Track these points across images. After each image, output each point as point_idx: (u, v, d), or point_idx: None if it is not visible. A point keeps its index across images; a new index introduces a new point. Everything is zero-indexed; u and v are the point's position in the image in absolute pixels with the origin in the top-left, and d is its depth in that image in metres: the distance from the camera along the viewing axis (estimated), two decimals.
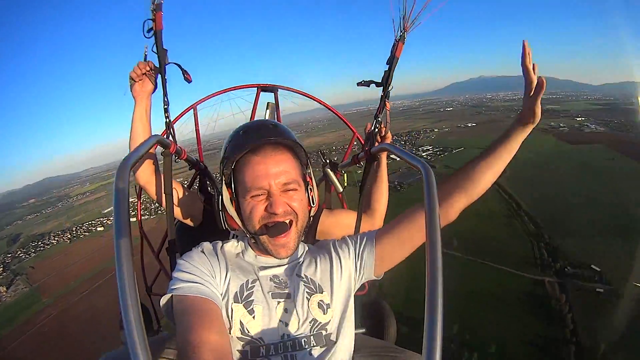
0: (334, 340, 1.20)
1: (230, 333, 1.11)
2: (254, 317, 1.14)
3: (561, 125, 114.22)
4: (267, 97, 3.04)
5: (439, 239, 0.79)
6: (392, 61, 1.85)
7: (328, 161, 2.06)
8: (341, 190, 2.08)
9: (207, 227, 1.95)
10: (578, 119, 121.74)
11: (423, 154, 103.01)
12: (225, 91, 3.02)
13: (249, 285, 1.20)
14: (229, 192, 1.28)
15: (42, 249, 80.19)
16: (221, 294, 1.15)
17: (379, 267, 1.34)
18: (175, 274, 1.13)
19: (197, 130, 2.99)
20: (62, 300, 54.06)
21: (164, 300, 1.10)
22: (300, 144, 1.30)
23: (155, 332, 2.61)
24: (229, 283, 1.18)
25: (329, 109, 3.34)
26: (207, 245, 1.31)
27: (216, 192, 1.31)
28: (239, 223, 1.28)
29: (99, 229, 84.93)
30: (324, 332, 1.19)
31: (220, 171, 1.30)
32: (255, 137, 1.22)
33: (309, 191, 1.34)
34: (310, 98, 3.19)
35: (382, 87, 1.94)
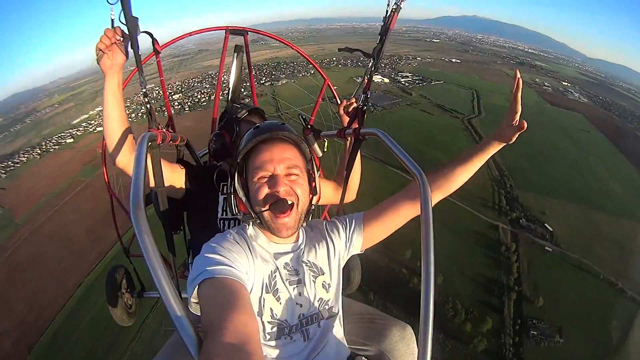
0: (335, 311, 1.43)
1: (262, 318, 1.26)
2: (280, 304, 1.30)
3: (545, 84, 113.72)
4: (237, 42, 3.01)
5: (432, 245, 0.95)
6: (385, 33, 1.68)
7: (309, 127, 1.99)
8: (320, 154, 1.98)
9: (189, 200, 2.02)
10: (564, 83, 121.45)
11: (402, 80, 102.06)
12: (190, 34, 3.03)
13: (273, 275, 1.33)
14: (241, 179, 1.40)
15: (12, 168, 75.04)
16: (254, 283, 1.27)
17: (364, 245, 1.58)
18: (205, 255, 1.18)
19: (162, 82, 2.61)
20: (34, 219, 52.42)
21: (193, 290, 1.11)
22: (305, 142, 1.45)
23: (139, 293, 2.87)
24: (256, 273, 1.29)
25: (302, 55, 3.40)
26: (234, 232, 1.40)
27: (230, 179, 1.42)
28: (247, 206, 1.37)
29: (68, 140, 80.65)
30: (327, 307, 1.41)
31: (234, 161, 1.40)
32: (266, 131, 1.35)
33: (312, 182, 1.45)
34: (281, 41, 3.38)
35: (371, 59, 1.76)
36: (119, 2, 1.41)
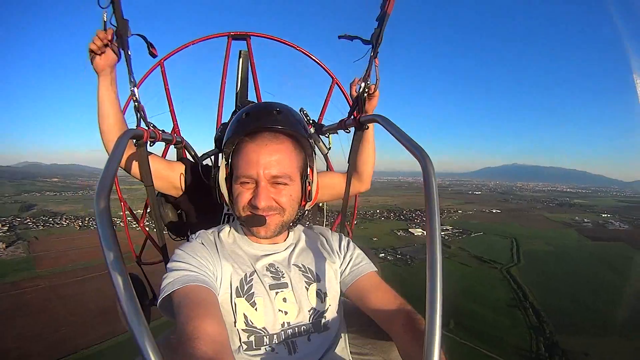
0: (330, 327, 1.25)
1: (235, 326, 1.14)
2: (256, 310, 1.16)
3: (585, 220, 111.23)
4: (241, 48, 2.84)
5: (439, 234, 0.81)
6: (382, 18, 1.63)
7: (312, 121, 1.93)
8: (326, 151, 1.96)
9: (190, 197, 1.99)
10: (603, 215, 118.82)
11: (442, 234, 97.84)
12: (193, 42, 2.78)
13: (248, 279, 1.20)
14: (226, 170, 1.28)
15: (50, 225, 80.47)
16: (223, 287, 1.16)
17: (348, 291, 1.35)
18: (170, 265, 1.12)
19: (166, 90, 2.72)
20: (54, 278, 53.15)
21: (161, 299, 1.06)
22: (305, 134, 1.28)
23: (151, 301, 2.38)
24: (230, 276, 1.19)
25: (306, 55, 2.98)
26: (204, 235, 1.30)
27: (214, 166, 1.35)
28: (228, 202, 1.31)
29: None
30: (322, 320, 1.24)
31: (221, 148, 1.30)
32: (253, 122, 1.21)
33: (307, 185, 1.29)
34: (286, 44, 2.93)
35: (370, 46, 1.71)
36: (111, 4, 1.44)
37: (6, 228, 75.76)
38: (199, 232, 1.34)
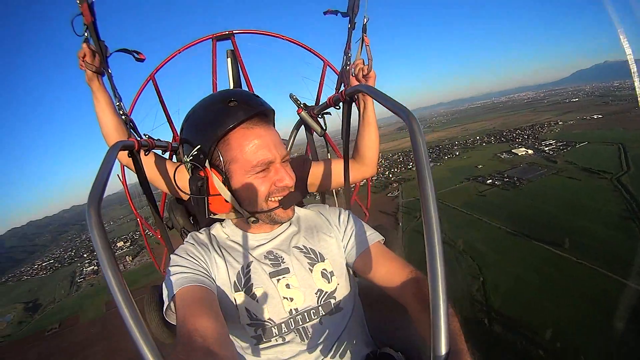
0: (343, 307, 1.21)
1: (239, 322, 1.11)
2: (257, 301, 1.13)
3: None
4: (227, 48, 2.70)
5: (433, 192, 0.70)
6: None
7: (302, 105, 1.86)
8: (321, 132, 1.89)
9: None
10: None
11: (545, 148, 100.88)
12: (178, 52, 2.71)
13: (246, 270, 1.17)
14: (216, 173, 1.15)
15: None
16: (220, 283, 1.14)
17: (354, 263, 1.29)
18: (167, 272, 1.11)
19: (161, 102, 2.68)
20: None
21: (165, 307, 1.06)
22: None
23: None
24: (227, 271, 1.16)
25: (293, 42, 2.87)
26: (195, 236, 1.28)
27: (193, 178, 1.16)
28: (236, 206, 1.18)
29: None
30: (332, 301, 1.20)
31: (197, 149, 1.13)
32: (248, 107, 1.13)
33: None
34: (272, 36, 2.80)
35: (348, 18, 1.72)
36: (87, 32, 1.55)
37: (128, 243, 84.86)
38: (190, 233, 1.32)
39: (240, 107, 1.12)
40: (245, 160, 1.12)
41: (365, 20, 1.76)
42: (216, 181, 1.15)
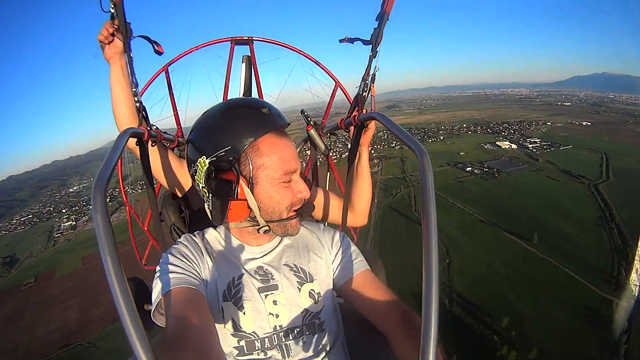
0: (326, 328, 1.21)
1: (224, 330, 1.12)
2: (244, 313, 1.13)
3: None
4: (244, 53, 2.80)
5: (435, 223, 0.73)
6: (382, 17, 1.59)
7: (312, 122, 1.82)
8: (322, 150, 1.85)
9: (192, 199, 1.94)
10: None
11: (529, 146, 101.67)
12: (196, 48, 2.75)
13: (236, 282, 1.17)
14: (244, 179, 1.11)
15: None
16: (210, 290, 1.14)
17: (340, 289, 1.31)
18: (158, 270, 1.11)
19: (171, 95, 2.72)
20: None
21: (154, 307, 1.07)
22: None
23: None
24: (217, 280, 1.16)
25: (308, 58, 2.90)
26: (189, 239, 1.26)
27: (218, 179, 1.10)
28: (257, 214, 1.14)
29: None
30: (317, 322, 1.20)
31: (227, 150, 1.08)
32: (280, 117, 1.15)
33: None
34: (288, 48, 2.87)
35: (370, 46, 1.69)
36: (114, 7, 1.49)
37: (107, 199, 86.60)
38: (183, 235, 1.29)
39: (273, 115, 1.13)
40: (274, 168, 1.11)
41: (375, 70, 1.73)
42: (246, 190, 1.12)
